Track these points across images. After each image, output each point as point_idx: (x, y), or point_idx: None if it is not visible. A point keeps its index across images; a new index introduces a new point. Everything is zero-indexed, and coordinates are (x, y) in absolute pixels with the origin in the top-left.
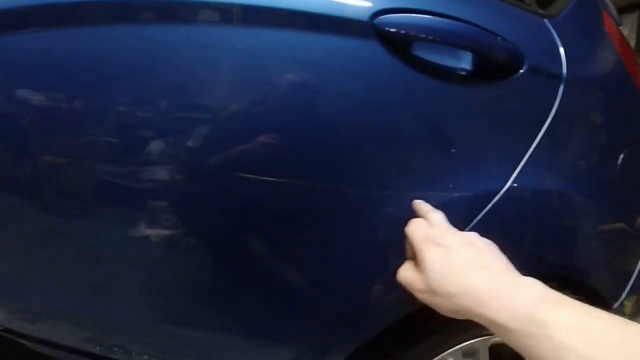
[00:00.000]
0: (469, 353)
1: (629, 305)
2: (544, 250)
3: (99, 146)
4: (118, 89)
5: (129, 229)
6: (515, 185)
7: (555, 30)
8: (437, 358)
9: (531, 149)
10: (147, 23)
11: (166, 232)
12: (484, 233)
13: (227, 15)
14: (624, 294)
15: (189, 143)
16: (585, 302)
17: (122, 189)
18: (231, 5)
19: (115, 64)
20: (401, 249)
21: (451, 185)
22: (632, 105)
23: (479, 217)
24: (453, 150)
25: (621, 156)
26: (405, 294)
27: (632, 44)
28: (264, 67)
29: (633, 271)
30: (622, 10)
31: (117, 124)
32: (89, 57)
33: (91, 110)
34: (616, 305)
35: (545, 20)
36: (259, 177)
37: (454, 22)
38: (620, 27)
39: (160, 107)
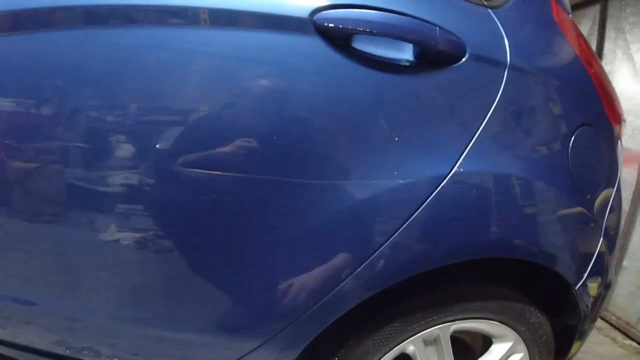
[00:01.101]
0: (430, 341)
1: (593, 287)
2: (501, 235)
3: (70, 151)
4: (88, 93)
5: (99, 232)
6: (461, 170)
7: (499, 19)
8: (397, 347)
9: (477, 135)
10: (114, 27)
11: (135, 234)
12: (435, 218)
13: (169, 17)
14: (585, 276)
15: (156, 145)
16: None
17: (91, 192)
18: (174, 6)
19: (85, 68)
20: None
21: (395, 173)
22: (581, 88)
23: (427, 202)
24: (396, 139)
25: (572, 139)
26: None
27: (595, 36)
28: (209, 67)
29: (593, 254)
30: (585, 3)
31: (86, 128)
32: (58, 61)
33: (60, 115)
34: (578, 287)
35: (490, 11)
36: (217, 176)
37: (390, 15)
38: (571, 15)
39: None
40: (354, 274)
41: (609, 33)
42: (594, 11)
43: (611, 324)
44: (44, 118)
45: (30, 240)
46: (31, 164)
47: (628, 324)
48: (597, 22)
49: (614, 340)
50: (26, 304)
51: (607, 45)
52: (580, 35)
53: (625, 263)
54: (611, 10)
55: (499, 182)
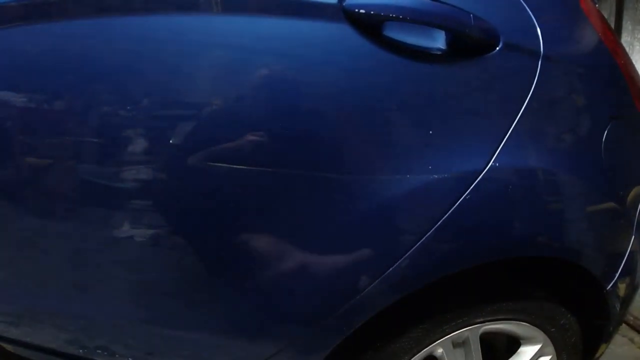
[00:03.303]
0: (459, 343)
1: (622, 287)
2: (534, 231)
3: (82, 146)
4: (101, 87)
5: (112, 229)
6: (497, 164)
7: (530, 8)
8: (425, 349)
9: (512, 127)
10: (127, 17)
11: (149, 231)
12: (470, 215)
13: (194, 5)
14: (616, 276)
15: (170, 140)
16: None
17: (104, 188)
18: None
19: (96, 61)
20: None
21: (430, 167)
22: (612, 80)
23: (463, 198)
24: (430, 132)
25: (605, 132)
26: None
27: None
28: (236, 57)
29: (625, 252)
30: None
31: (99, 124)
32: (67, 54)
33: (73, 110)
34: (610, 286)
35: None
36: (237, 169)
37: (424, 0)
38: (597, 5)
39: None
40: (384, 275)
41: (626, 25)
42: (610, 2)
43: (629, 325)
44: (56, 113)
45: (42, 237)
46: (43, 160)
47: None
48: (613, 14)
49: (631, 340)
50: (38, 303)
51: (624, 38)
52: (606, 24)
53: None
54: (627, 2)
55: (535, 178)
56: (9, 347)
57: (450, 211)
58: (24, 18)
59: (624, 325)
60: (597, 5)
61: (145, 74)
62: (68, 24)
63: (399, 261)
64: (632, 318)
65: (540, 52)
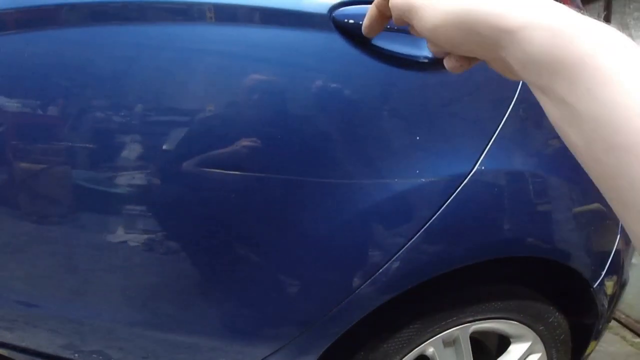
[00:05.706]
0: (449, 342)
1: (610, 285)
2: (519, 232)
3: (78, 152)
4: (95, 93)
5: (107, 234)
6: (483, 168)
7: None
8: (417, 349)
9: (497, 131)
10: (122, 25)
11: (144, 236)
12: (457, 217)
13: (188, 14)
14: (603, 274)
15: (164, 145)
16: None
17: (98, 194)
18: (192, 3)
19: (91, 67)
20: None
21: (417, 171)
22: None
23: (449, 201)
24: (418, 137)
25: None
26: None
27: None
28: (229, 66)
29: (611, 251)
30: (589, 0)
31: (94, 129)
32: (63, 60)
33: (68, 115)
34: (596, 285)
35: None
36: (231, 175)
37: None
38: (582, 11)
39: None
40: (375, 276)
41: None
42: (597, 7)
43: (620, 322)
44: (51, 118)
45: (36, 242)
46: (38, 165)
47: (637, 322)
48: (601, 18)
49: (623, 338)
50: (32, 307)
51: None
52: None
53: (634, 260)
54: (615, 6)
55: (520, 180)
56: (3, 352)
57: (438, 213)
58: (21, 25)
59: (615, 323)
60: (582, 12)
61: (140, 81)
62: (64, 32)
63: (390, 262)
64: (623, 316)
65: None
